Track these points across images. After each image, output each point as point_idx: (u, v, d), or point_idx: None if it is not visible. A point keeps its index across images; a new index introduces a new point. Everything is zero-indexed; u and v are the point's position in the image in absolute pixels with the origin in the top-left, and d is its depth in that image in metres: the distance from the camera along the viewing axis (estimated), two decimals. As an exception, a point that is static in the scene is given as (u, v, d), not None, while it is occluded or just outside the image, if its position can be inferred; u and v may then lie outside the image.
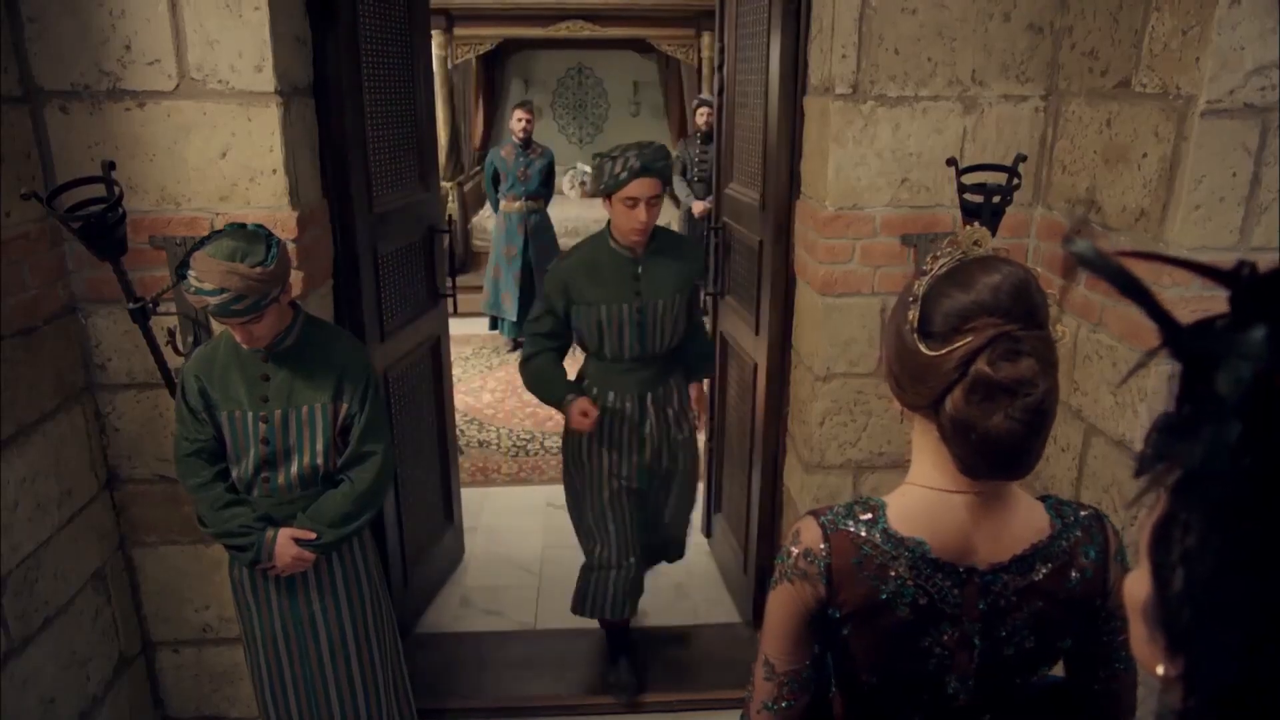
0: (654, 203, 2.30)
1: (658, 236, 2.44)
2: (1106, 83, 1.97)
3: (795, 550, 1.06)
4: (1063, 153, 2.16)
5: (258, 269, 1.70)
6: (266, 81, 2.07)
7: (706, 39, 7.48)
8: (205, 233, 1.84)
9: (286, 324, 1.89)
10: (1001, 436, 0.91)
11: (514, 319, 5.90)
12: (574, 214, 8.07)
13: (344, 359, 1.95)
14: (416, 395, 3.02)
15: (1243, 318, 0.47)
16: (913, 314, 0.98)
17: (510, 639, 3.02)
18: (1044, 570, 1.02)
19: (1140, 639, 0.56)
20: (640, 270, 2.42)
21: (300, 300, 2.18)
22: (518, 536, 3.69)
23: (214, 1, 2.00)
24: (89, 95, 2.04)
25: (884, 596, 1.01)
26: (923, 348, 0.96)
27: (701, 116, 6.15)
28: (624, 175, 2.24)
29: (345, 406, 1.94)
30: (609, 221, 2.43)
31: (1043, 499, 1.08)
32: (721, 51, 3.14)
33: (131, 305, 1.95)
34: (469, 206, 8.01)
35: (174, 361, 2.13)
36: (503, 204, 5.92)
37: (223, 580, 2.26)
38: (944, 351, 0.93)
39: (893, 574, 1.01)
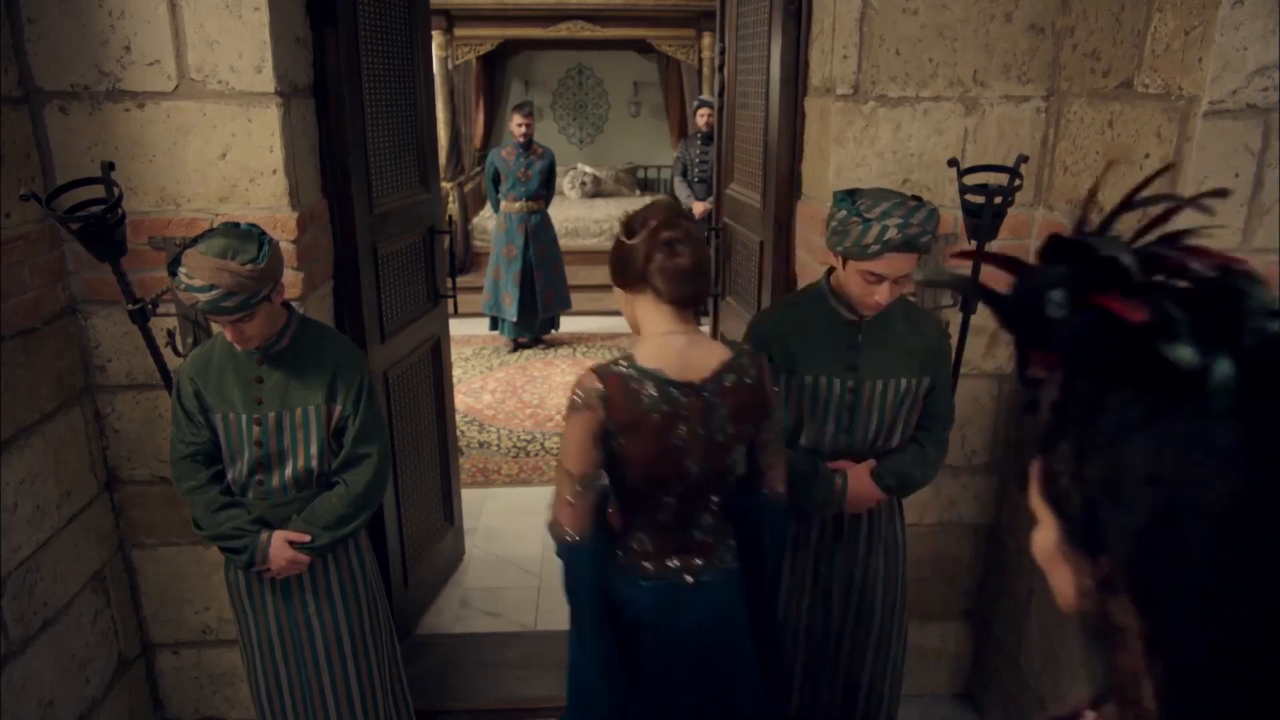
0: (902, 281, 1.74)
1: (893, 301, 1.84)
2: (1108, 83, 1.97)
3: (580, 392, 1.55)
4: (1064, 153, 2.16)
5: (248, 266, 1.69)
6: (266, 82, 2.06)
7: (707, 39, 7.47)
8: (201, 233, 1.83)
9: (280, 325, 1.88)
10: (688, 266, 1.53)
11: (514, 319, 5.90)
12: (574, 215, 8.07)
13: (337, 360, 1.94)
14: (416, 396, 3.01)
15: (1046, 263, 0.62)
16: (620, 233, 1.60)
17: (510, 640, 3.01)
18: (730, 380, 1.59)
19: (1059, 583, 0.65)
20: (860, 339, 1.87)
21: (300, 301, 2.17)
22: (518, 538, 3.69)
23: (214, 2, 2.00)
24: (89, 96, 2.04)
25: (642, 409, 1.53)
26: (627, 240, 1.57)
27: (702, 117, 6.13)
28: (875, 248, 1.68)
29: (339, 408, 1.93)
30: (829, 271, 1.91)
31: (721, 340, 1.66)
32: (722, 52, 3.13)
33: (131, 307, 1.94)
34: (469, 207, 8.00)
35: (174, 362, 2.12)
36: (503, 205, 5.92)
37: (222, 581, 2.26)
38: (640, 238, 1.55)
39: (644, 394, 1.54)
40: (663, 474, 1.58)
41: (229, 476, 1.94)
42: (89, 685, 2.22)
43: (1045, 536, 0.65)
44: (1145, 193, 0.64)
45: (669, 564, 1.66)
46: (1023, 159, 2.00)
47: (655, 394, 1.53)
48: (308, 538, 1.91)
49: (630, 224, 1.61)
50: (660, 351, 1.56)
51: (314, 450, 1.93)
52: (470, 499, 3.79)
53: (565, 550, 1.60)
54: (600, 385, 1.53)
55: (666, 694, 1.70)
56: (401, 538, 2.88)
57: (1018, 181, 1.97)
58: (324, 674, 2.04)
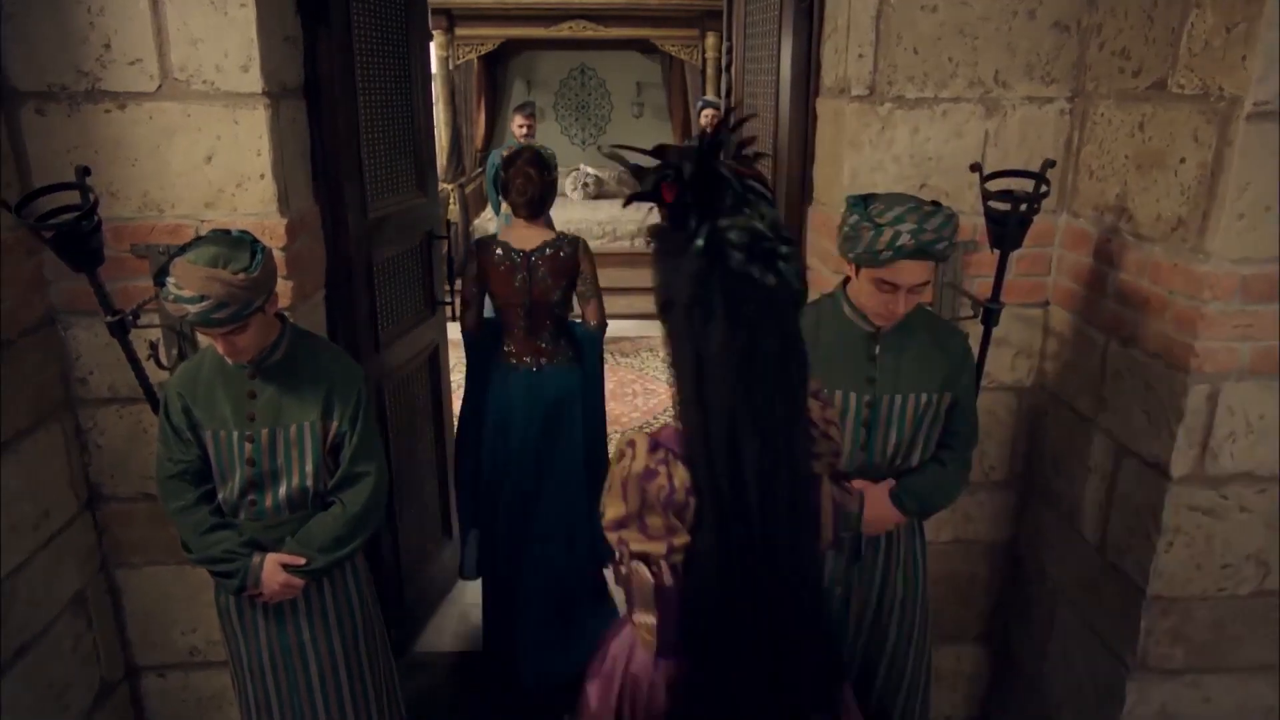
0: (918, 290, 1.68)
1: (912, 311, 1.79)
2: (1139, 84, 1.87)
3: (472, 255, 2.73)
4: (1090, 157, 2.06)
5: (240, 275, 1.61)
6: (254, 82, 1.97)
7: (710, 39, 7.39)
8: (189, 241, 1.74)
9: (273, 337, 1.79)
10: (522, 200, 2.73)
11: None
12: (577, 216, 7.97)
13: (334, 375, 1.85)
14: (414, 406, 2.92)
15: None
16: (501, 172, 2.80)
17: (510, 659, 2.91)
18: (549, 251, 2.69)
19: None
20: (879, 351, 1.80)
21: (291, 310, 2.08)
22: (518, 550, 3.58)
23: (198, -2, 1.91)
24: (66, 96, 1.95)
25: (494, 260, 2.68)
26: (504, 174, 2.75)
27: (705, 118, 6.04)
28: (887, 254, 1.62)
29: (335, 425, 1.84)
30: (845, 280, 1.84)
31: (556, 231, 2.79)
32: (729, 52, 3.05)
33: (109, 319, 1.85)
34: (471, 208, 7.91)
35: (157, 376, 2.02)
36: (504, 206, 5.82)
37: (210, 602, 2.16)
38: (510, 171, 2.73)
39: (496, 252, 2.69)
40: (511, 303, 2.69)
41: (219, 496, 1.85)
42: (69, 712, 2.13)
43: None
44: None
45: (525, 359, 2.75)
46: (1050, 164, 1.90)
47: (501, 253, 2.67)
48: (302, 561, 1.81)
49: (503, 163, 2.77)
50: (511, 233, 2.74)
51: (309, 469, 1.83)
52: (469, 510, 3.68)
53: (465, 335, 2.79)
54: (476, 249, 2.73)
55: (526, 443, 2.74)
56: (398, 552, 2.79)
57: (1044, 188, 1.87)
58: (318, 698, 1.95)
